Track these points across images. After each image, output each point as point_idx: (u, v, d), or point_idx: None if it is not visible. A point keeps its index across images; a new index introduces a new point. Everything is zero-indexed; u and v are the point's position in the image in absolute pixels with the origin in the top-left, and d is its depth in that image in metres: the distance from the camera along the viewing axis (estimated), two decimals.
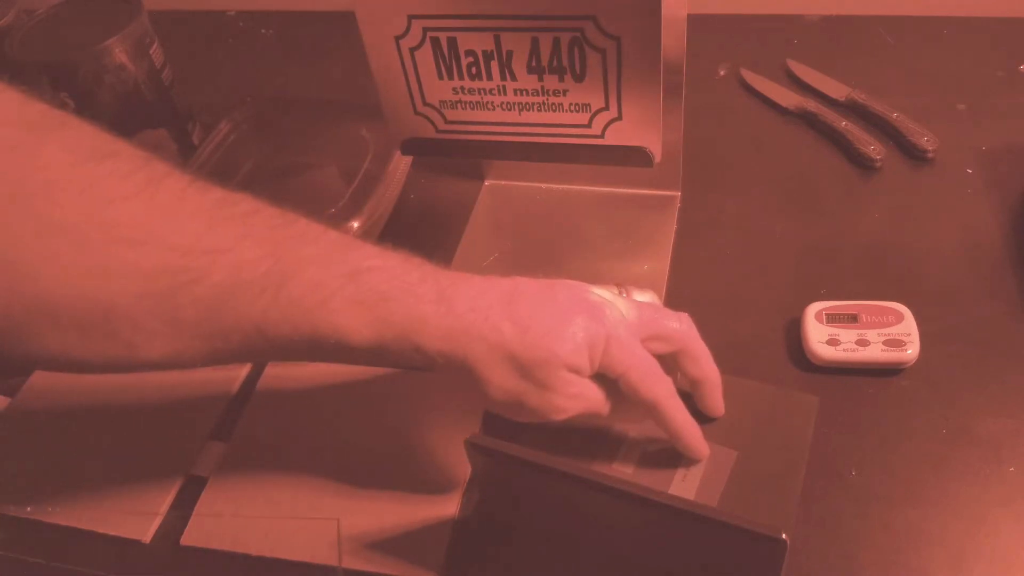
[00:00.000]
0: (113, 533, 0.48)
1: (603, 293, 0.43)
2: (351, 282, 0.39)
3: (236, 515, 0.48)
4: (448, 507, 0.47)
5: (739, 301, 0.56)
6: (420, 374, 0.54)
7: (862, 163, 0.65)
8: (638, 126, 0.52)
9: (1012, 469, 0.46)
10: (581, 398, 0.42)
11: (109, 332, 0.35)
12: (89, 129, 0.36)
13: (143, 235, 0.35)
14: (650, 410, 0.43)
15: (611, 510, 0.38)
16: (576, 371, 0.41)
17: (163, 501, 0.49)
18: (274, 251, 0.38)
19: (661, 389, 0.42)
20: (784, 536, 0.35)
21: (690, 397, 0.46)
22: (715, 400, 0.46)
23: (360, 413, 0.53)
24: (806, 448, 0.46)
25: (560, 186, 0.66)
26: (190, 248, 0.36)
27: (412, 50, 0.51)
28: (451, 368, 0.40)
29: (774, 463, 0.45)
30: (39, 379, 0.57)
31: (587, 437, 0.47)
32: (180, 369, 0.38)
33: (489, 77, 0.52)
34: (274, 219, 0.39)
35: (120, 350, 0.36)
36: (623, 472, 0.46)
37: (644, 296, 0.50)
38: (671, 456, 0.46)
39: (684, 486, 0.44)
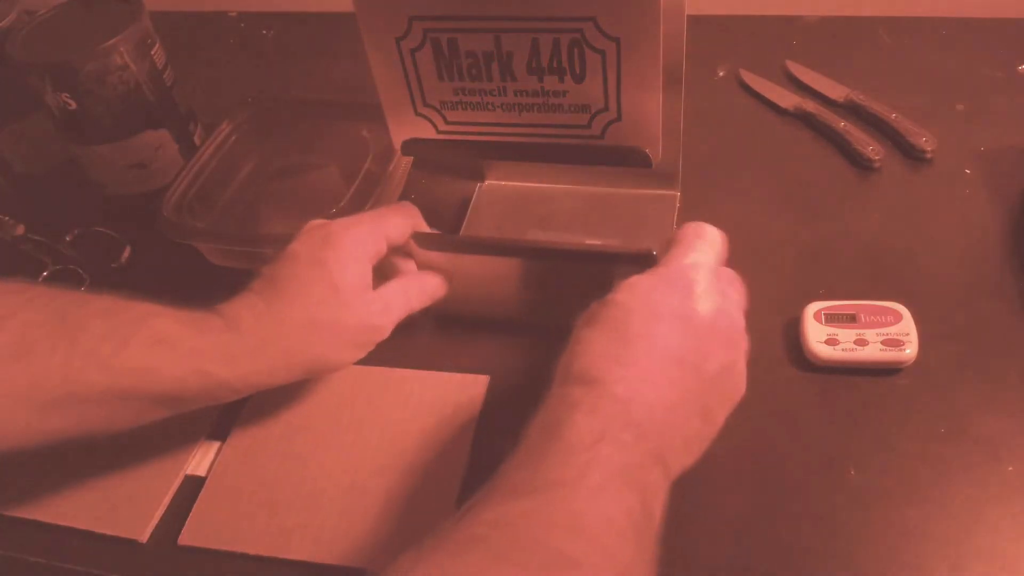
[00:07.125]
0: (111, 533, 0.48)
1: None
2: (143, 327, 0.41)
3: (233, 515, 0.48)
4: (445, 506, 0.47)
5: None
6: (417, 376, 0.54)
7: (861, 163, 0.65)
8: (638, 127, 0.52)
9: (1011, 468, 0.46)
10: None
11: None
12: None
13: None
14: None
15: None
16: None
17: (160, 501, 0.50)
18: (58, 312, 0.40)
19: None
20: (654, 251, 0.46)
21: None
22: None
23: (357, 413, 0.53)
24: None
25: (560, 186, 0.66)
26: None
27: (412, 51, 0.51)
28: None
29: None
30: None
31: None
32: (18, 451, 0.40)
33: (489, 78, 0.52)
34: (51, 291, 0.41)
35: None
36: None
37: None
38: None
39: None
